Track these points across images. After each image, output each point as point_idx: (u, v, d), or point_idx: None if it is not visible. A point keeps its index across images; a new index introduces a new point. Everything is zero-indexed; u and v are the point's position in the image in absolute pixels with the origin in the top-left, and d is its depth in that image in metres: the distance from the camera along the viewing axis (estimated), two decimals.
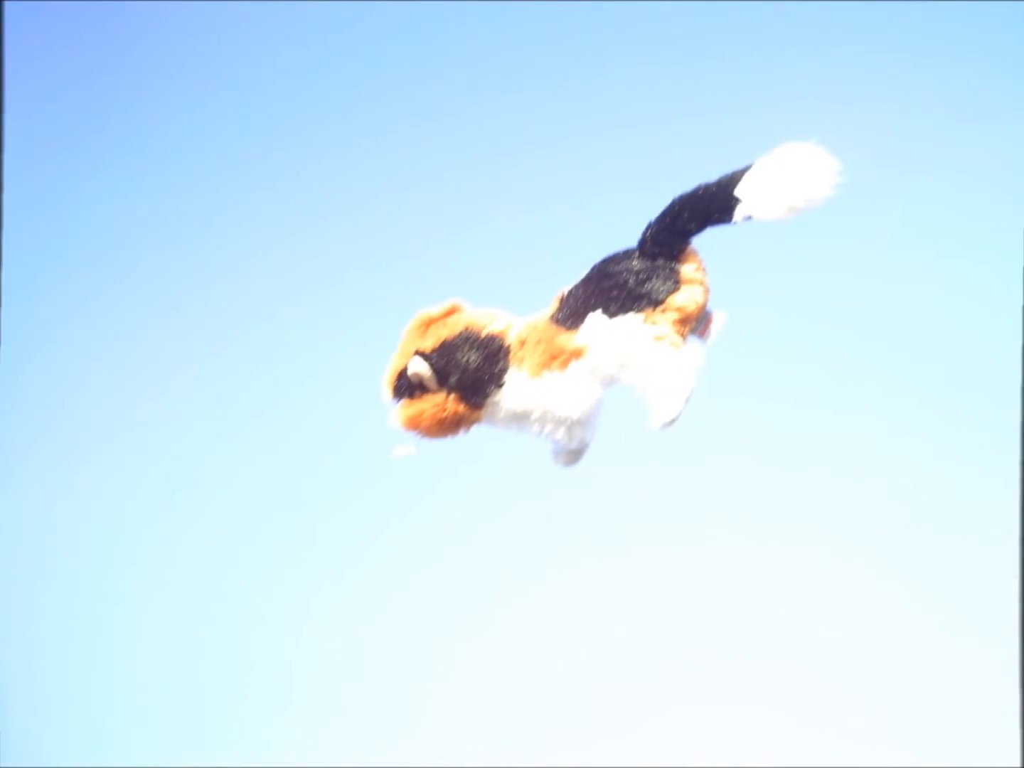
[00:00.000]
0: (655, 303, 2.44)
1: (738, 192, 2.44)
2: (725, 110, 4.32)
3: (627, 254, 2.49)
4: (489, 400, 2.45)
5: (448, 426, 2.44)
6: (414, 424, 2.44)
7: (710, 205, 2.45)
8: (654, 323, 2.44)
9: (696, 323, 2.49)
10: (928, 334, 4.26)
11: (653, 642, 4.19)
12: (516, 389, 2.44)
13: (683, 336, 2.45)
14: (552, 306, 2.50)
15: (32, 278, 4.42)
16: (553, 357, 2.45)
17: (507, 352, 2.44)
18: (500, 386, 2.44)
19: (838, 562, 4.19)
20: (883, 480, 4.22)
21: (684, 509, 4.19)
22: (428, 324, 2.47)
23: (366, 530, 4.28)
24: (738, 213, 2.45)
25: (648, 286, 2.44)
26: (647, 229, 2.48)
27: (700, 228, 2.47)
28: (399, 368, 2.44)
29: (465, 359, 2.43)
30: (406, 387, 2.43)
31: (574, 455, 2.56)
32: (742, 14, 4.37)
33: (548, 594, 4.24)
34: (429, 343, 2.45)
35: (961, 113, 4.30)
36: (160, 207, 4.47)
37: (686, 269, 2.46)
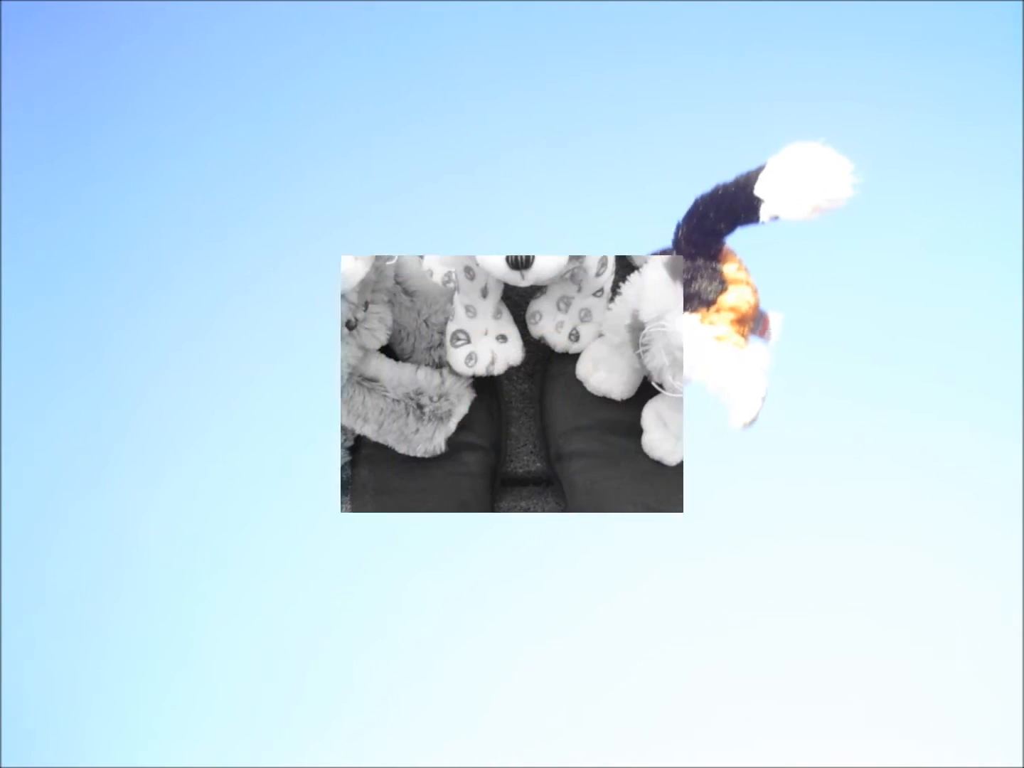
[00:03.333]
0: (707, 303, 2.45)
1: (758, 192, 2.43)
2: (715, 109, 4.38)
3: (666, 254, 2.51)
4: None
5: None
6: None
7: (734, 205, 2.44)
8: (711, 323, 2.45)
9: (754, 323, 2.49)
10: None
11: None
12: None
13: (744, 336, 2.46)
14: None
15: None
16: None
17: None
18: None
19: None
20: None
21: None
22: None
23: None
24: (764, 213, 2.44)
25: (695, 286, 2.45)
26: (678, 229, 2.49)
27: (731, 228, 2.47)
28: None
29: None
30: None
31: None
32: (728, 13, 4.40)
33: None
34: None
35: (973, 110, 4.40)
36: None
37: (728, 269, 2.45)
